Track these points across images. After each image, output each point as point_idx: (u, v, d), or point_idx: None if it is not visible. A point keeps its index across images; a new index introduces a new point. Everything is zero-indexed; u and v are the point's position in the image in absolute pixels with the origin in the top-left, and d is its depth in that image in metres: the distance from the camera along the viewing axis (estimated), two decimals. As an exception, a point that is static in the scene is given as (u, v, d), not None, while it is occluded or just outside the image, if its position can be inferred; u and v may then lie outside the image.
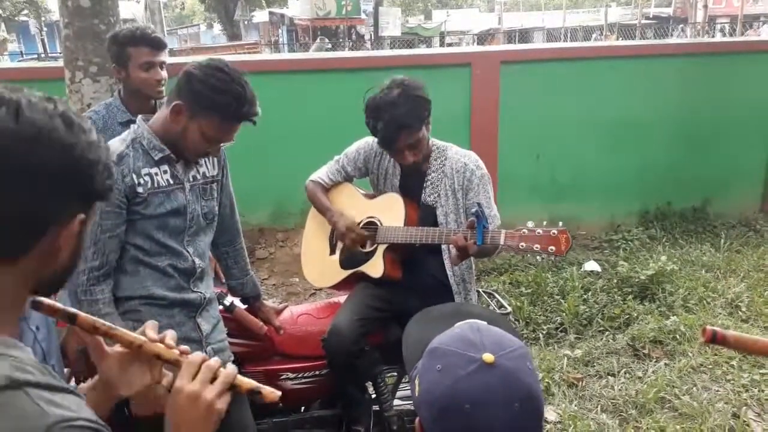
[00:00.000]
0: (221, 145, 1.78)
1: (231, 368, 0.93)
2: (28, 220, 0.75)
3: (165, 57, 2.55)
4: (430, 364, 0.91)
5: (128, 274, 1.77)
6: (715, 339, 1.28)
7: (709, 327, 1.29)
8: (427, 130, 2.18)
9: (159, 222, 1.75)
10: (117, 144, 1.73)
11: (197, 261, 1.84)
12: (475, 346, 0.90)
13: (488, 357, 0.88)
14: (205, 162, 1.88)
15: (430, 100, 2.16)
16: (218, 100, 1.65)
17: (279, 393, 0.95)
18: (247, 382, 0.94)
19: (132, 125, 1.82)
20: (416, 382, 0.93)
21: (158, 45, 2.51)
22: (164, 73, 2.54)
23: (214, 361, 0.92)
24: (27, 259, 0.77)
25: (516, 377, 0.88)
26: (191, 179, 1.83)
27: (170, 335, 0.97)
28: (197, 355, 0.93)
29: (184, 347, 0.97)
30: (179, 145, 1.74)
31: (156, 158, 1.74)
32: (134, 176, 1.70)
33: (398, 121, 2.06)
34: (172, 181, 1.77)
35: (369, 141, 2.37)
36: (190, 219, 1.81)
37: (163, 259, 1.78)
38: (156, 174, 1.74)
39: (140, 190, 1.71)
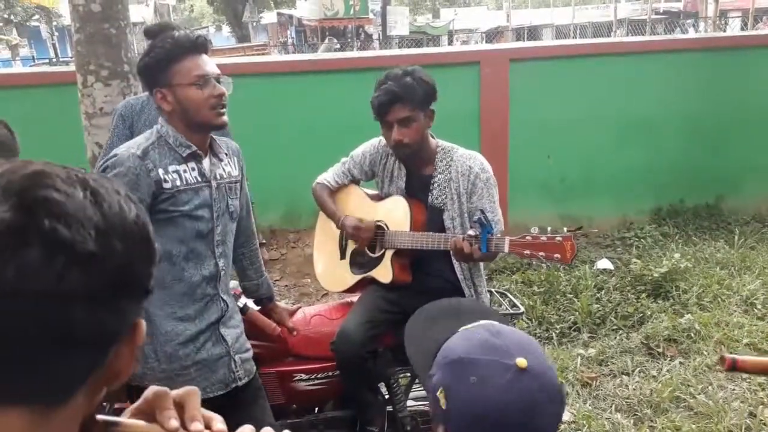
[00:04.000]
0: (216, 79, 1.73)
1: None
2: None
3: None
4: (460, 375, 0.88)
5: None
6: (735, 367, 1.28)
7: (728, 355, 1.29)
8: (427, 118, 2.18)
9: (189, 220, 1.74)
10: (141, 140, 1.74)
11: (221, 263, 1.85)
12: (502, 351, 0.88)
13: (522, 362, 0.86)
14: (229, 162, 1.89)
15: (436, 90, 2.17)
16: (166, 54, 1.68)
17: None
18: None
19: (155, 126, 1.81)
20: (442, 394, 0.89)
21: None
22: None
23: None
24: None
25: (548, 376, 0.88)
26: (218, 177, 1.83)
27: (217, 419, 0.68)
28: None
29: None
30: (197, 121, 1.73)
31: (184, 155, 1.74)
32: (161, 171, 1.70)
33: (393, 91, 2.09)
34: (200, 179, 1.77)
35: (375, 143, 2.37)
36: (216, 217, 1.81)
37: (190, 266, 1.77)
38: (184, 171, 1.74)
39: (167, 186, 1.70)
